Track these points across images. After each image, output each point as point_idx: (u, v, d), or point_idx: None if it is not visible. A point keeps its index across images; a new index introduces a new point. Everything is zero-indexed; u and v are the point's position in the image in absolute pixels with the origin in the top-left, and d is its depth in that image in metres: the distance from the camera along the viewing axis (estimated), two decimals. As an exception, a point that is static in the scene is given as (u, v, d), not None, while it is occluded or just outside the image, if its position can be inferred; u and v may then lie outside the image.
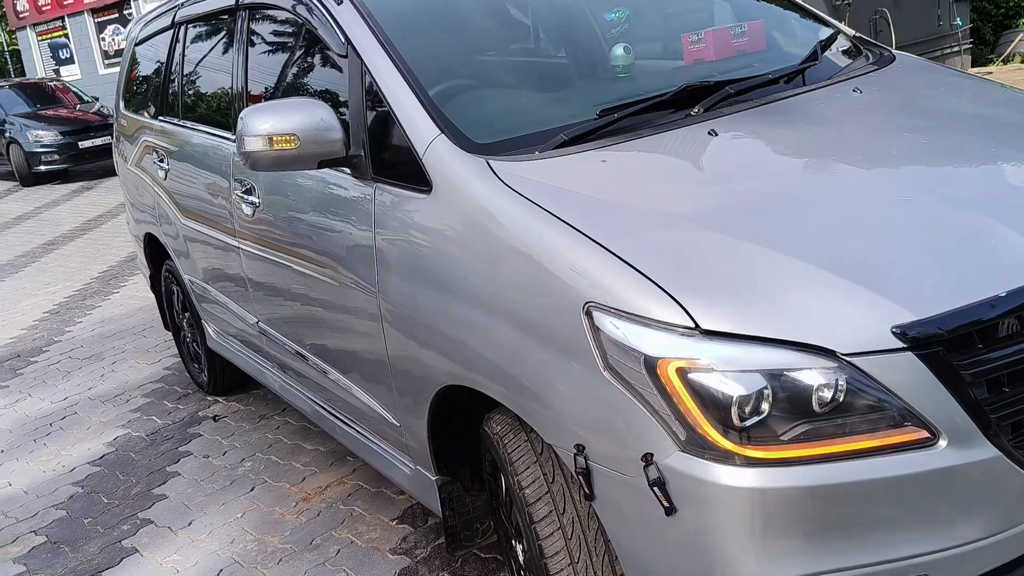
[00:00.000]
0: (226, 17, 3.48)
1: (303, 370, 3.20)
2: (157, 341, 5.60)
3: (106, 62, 18.10)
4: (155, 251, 4.66)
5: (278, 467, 3.73)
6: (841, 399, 1.62)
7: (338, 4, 2.64)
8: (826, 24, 3.04)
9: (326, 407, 3.15)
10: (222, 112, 3.49)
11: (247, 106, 3.19)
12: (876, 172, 2.04)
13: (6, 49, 25.40)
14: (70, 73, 18.77)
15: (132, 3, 16.92)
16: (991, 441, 1.65)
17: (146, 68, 4.49)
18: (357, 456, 3.11)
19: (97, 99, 16.52)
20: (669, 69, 2.91)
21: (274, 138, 2.38)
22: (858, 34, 3.03)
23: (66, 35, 18.90)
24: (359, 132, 2.49)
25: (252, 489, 3.57)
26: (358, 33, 2.54)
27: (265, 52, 3.21)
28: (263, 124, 2.39)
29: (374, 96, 2.45)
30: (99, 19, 17.89)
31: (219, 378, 4.47)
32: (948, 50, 12.97)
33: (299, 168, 2.49)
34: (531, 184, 2.05)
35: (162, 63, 4.19)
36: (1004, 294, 1.69)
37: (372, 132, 2.46)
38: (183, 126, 3.88)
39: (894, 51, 2.85)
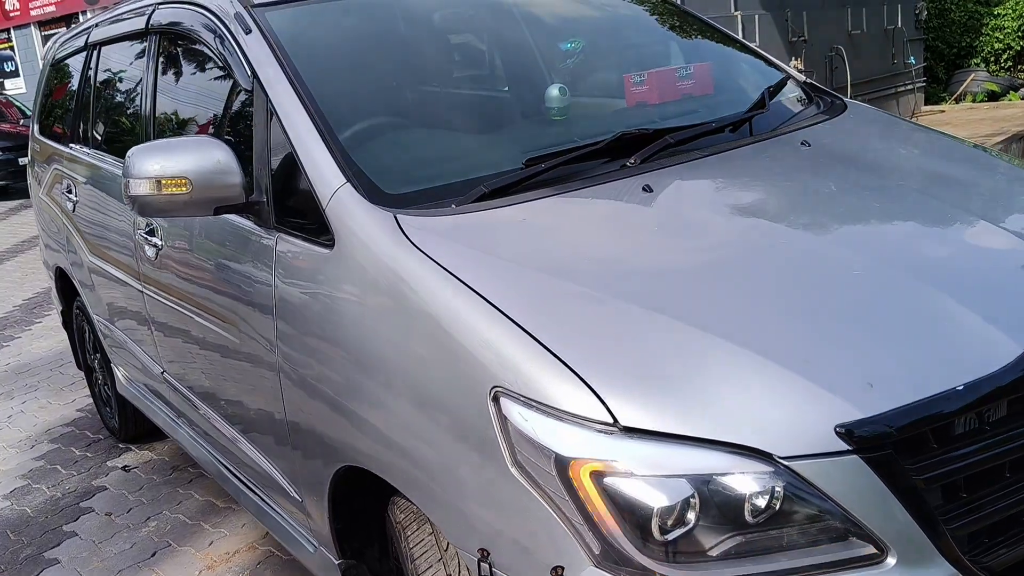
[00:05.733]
0: (137, 41, 3.22)
1: (208, 428, 2.93)
2: (73, 379, 5.25)
3: (53, 77, 17.64)
4: (67, 285, 4.35)
5: (185, 528, 3.43)
6: (777, 508, 1.42)
7: (247, 33, 2.40)
8: (777, 68, 2.87)
9: (232, 469, 2.88)
10: (131, 142, 3.22)
11: (155, 138, 2.95)
12: (824, 240, 1.84)
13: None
14: (15, 86, 18.25)
15: (80, 17, 16.50)
16: (945, 556, 1.45)
17: (59, 91, 4.20)
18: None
19: (42, 115, 16.02)
20: (609, 112, 2.72)
21: (163, 181, 2.13)
22: (809, 80, 2.86)
23: (12, 47, 18.40)
24: (262, 175, 2.25)
25: (153, 554, 3.27)
26: (265, 66, 2.30)
27: (174, 81, 2.96)
28: (151, 165, 2.14)
29: (279, 137, 2.21)
30: (46, 32, 17.43)
31: (131, 424, 4.16)
32: (902, 88, 13.08)
33: (193, 215, 2.25)
34: (441, 244, 1.82)
35: (75, 87, 3.92)
36: (962, 387, 1.50)
37: (277, 176, 2.22)
38: (91, 155, 3.60)
39: (846, 100, 2.68)
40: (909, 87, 13.25)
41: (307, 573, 2.97)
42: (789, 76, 2.77)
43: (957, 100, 14.69)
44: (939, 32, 15.53)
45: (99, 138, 3.59)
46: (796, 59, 10.28)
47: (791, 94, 2.70)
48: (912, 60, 13.24)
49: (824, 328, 1.58)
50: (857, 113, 2.59)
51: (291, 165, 2.16)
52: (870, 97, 12.08)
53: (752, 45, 3.01)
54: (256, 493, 2.71)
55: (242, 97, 2.43)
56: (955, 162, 2.31)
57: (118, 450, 4.23)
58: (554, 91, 2.55)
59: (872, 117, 2.64)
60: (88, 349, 4.36)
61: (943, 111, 13.72)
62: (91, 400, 4.77)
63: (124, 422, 4.15)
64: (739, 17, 9.61)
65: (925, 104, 14.17)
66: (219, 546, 3.26)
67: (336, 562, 2.25)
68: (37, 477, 4.05)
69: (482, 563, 1.61)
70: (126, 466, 4.05)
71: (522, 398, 1.52)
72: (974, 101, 14.45)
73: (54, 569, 3.27)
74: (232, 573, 3.08)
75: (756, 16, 9.84)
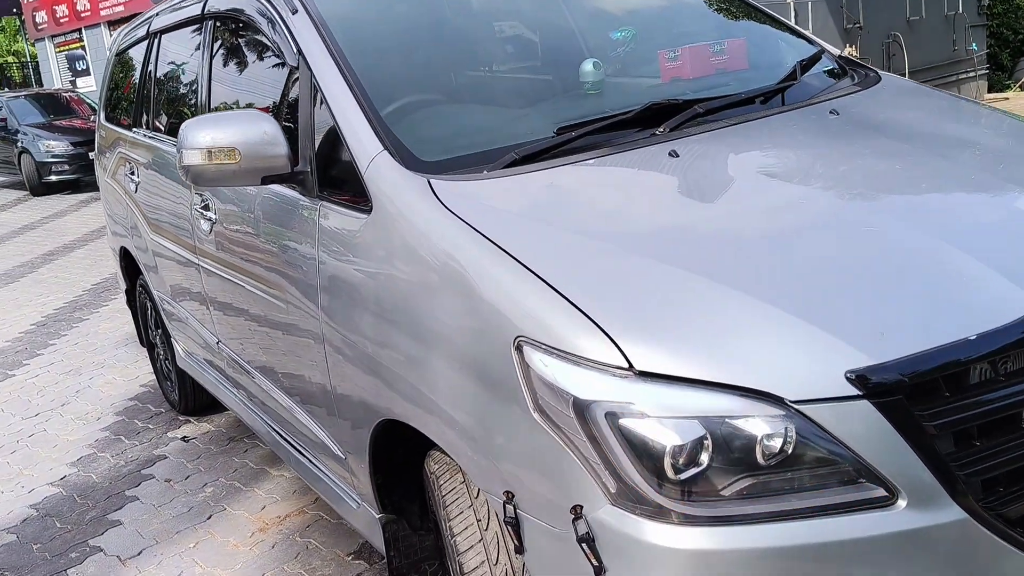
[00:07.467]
0: (194, 27, 3.37)
1: (260, 395, 3.06)
2: (137, 357, 5.47)
3: (120, 74, 18.16)
4: (130, 265, 4.55)
5: (239, 494, 3.58)
6: (789, 451, 1.46)
7: (292, 13, 2.52)
8: (812, 43, 2.89)
9: (282, 433, 3.00)
10: (187, 124, 3.37)
11: (209, 117, 3.08)
12: (841, 200, 1.88)
13: (29, 60, 25.61)
14: (86, 85, 18.86)
15: (147, 16, 16.98)
16: (957, 501, 1.48)
17: (124, 79, 4.40)
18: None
19: (110, 111, 16.55)
20: (643, 86, 2.77)
21: (214, 151, 2.25)
22: (844, 54, 2.87)
23: (83, 47, 19.01)
24: (307, 147, 2.36)
25: (209, 517, 3.42)
26: (310, 43, 2.41)
27: (228, 62, 3.10)
28: (203, 137, 2.26)
29: (322, 110, 2.32)
30: (115, 31, 17.98)
31: (190, 398, 4.33)
32: (963, 75, 12.79)
33: (242, 184, 2.37)
34: (471, 205, 1.91)
35: (138, 74, 4.10)
36: (974, 338, 1.52)
37: (320, 147, 2.33)
38: (152, 138, 3.77)
39: (881, 72, 2.70)
40: (971, 74, 12.94)
41: (353, 536, 3.09)
42: (823, 50, 2.78)
43: (1023, 87, 14.31)
44: (1004, 18, 15.13)
45: (159, 121, 3.76)
46: (851, 46, 10.12)
47: (825, 67, 2.72)
48: (974, 47, 12.93)
49: (837, 280, 1.62)
50: (890, 84, 2.61)
51: (333, 136, 2.26)
52: (929, 85, 11.83)
53: (791, 24, 3.02)
54: (304, 456, 2.83)
55: (289, 74, 2.54)
56: (985, 129, 2.32)
57: (178, 422, 4.42)
58: (588, 65, 2.60)
59: (906, 88, 2.65)
60: (150, 326, 4.56)
61: (1007, 99, 13.37)
62: (153, 376, 4.97)
63: (184, 396, 4.33)
64: (792, 4, 9.50)
65: (988, 92, 13.83)
66: (271, 510, 3.40)
67: (377, 516, 2.36)
68: (102, 446, 4.25)
69: (507, 505, 1.69)
70: (185, 437, 4.23)
71: (543, 346, 1.59)
72: (1041, 88, 14.05)
73: (117, 529, 3.44)
74: (282, 535, 3.21)
75: (809, 3, 9.71)
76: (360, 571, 2.92)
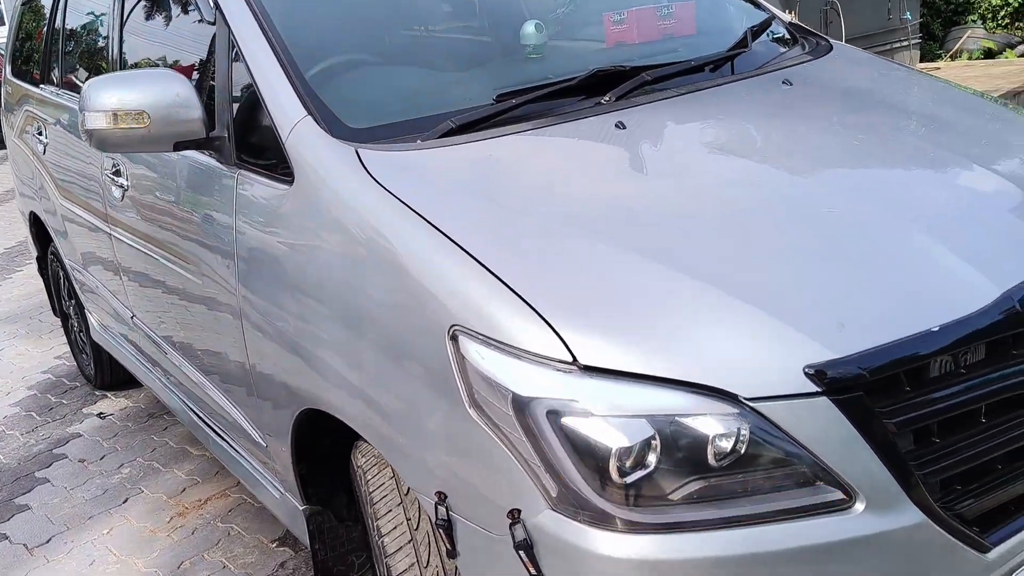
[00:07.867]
0: (104, -25, 3.11)
1: (176, 373, 2.87)
2: (52, 327, 5.18)
3: (38, 25, 17.29)
4: (41, 231, 4.27)
5: (158, 475, 3.39)
6: (742, 451, 1.36)
7: (209, -37, 2.30)
8: (762, 9, 2.77)
9: (200, 414, 2.83)
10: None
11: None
12: (798, 178, 1.77)
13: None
14: (0, 36, 17.92)
15: (66, -37, 16.13)
16: (915, 502, 1.40)
17: (34, 30, 4.09)
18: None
19: (26, 63, 15.76)
20: (587, 51, 2.63)
21: (120, 114, 2.05)
22: (795, 21, 2.77)
23: (-4, -5, 18.01)
24: (224, 111, 2.17)
25: (125, 501, 3.23)
26: (227, -4, 2.21)
27: (140, 16, 2.86)
28: (108, 98, 2.06)
29: (241, 70, 2.13)
30: (31, -21, 17.07)
31: (107, 372, 4.10)
32: (897, 44, 12.89)
33: (152, 150, 2.19)
34: (403, 179, 1.75)
35: (46, 25, 3.80)
36: (937, 329, 1.44)
37: (238, 111, 2.14)
38: (60, 95, 3.50)
39: (832, 41, 2.60)
40: (904, 43, 13.05)
41: (277, 521, 2.94)
42: (774, 16, 2.67)
43: (953, 58, 14.50)
44: (938, -12, 15.28)
45: (68, 77, 3.49)
46: (791, 12, 10.11)
47: (776, 35, 2.61)
48: (908, 16, 13.03)
49: (794, 267, 1.51)
50: (842, 54, 2.51)
51: (252, 99, 2.08)
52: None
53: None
54: (224, 439, 2.67)
55: (205, 30, 2.33)
56: (941, 103, 2.24)
57: (94, 397, 4.19)
58: (530, 27, 2.45)
59: (859, 58, 2.55)
60: (63, 296, 4.30)
61: (938, 68, 13.53)
62: (68, 348, 4.71)
63: (100, 369, 4.10)
64: (734, -32, 9.42)
65: (920, 62, 13.98)
66: (191, 493, 3.23)
67: (300, 508, 2.21)
68: (11, 424, 4.01)
69: (439, 507, 1.56)
70: (101, 413, 4.01)
71: (480, 336, 1.46)
72: (970, 59, 14.27)
73: (25, 515, 3.23)
74: (203, 520, 3.05)
75: (751, -32, 9.65)
76: (284, 559, 2.78)
